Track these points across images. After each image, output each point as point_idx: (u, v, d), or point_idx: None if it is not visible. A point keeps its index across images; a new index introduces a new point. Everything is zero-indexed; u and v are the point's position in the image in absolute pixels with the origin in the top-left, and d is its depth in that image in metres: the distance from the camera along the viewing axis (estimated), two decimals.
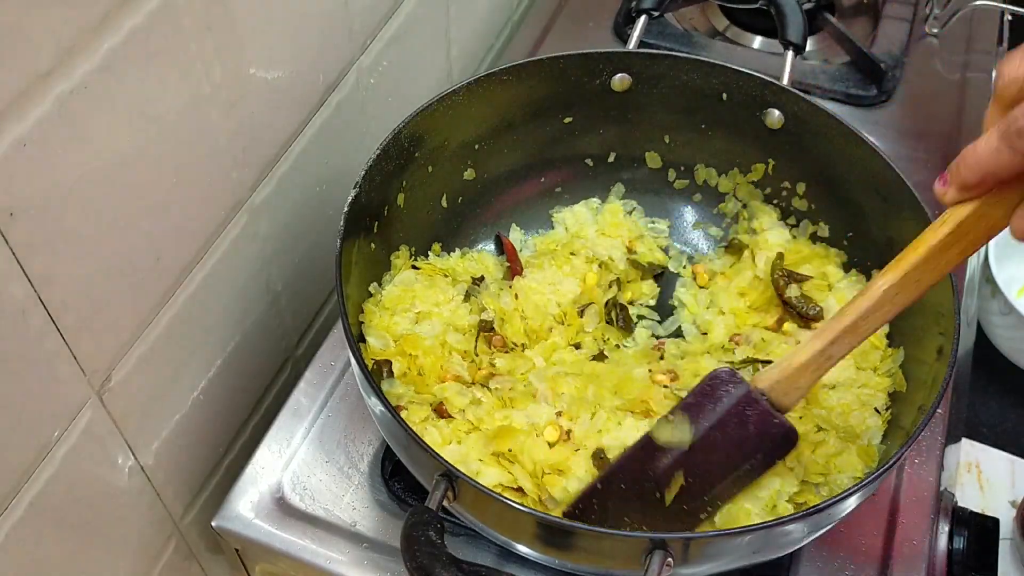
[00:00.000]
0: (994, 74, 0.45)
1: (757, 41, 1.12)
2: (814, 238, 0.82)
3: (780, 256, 0.79)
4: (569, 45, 1.00)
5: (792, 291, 0.77)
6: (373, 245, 0.75)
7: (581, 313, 0.79)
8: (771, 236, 0.82)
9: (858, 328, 0.55)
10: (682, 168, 0.87)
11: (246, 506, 0.72)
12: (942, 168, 0.49)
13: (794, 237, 0.82)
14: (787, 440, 0.62)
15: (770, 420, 0.60)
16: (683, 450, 0.62)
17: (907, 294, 0.53)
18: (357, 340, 0.64)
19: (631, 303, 0.83)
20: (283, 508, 0.72)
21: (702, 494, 0.63)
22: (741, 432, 0.60)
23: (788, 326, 0.77)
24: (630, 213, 0.87)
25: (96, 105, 0.53)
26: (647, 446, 0.64)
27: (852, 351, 0.58)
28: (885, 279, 0.53)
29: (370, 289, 0.75)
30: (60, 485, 0.60)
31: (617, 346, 0.80)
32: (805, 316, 0.76)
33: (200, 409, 0.75)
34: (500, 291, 0.79)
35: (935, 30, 1.11)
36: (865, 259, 0.78)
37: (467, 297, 0.78)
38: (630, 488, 0.63)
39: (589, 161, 0.87)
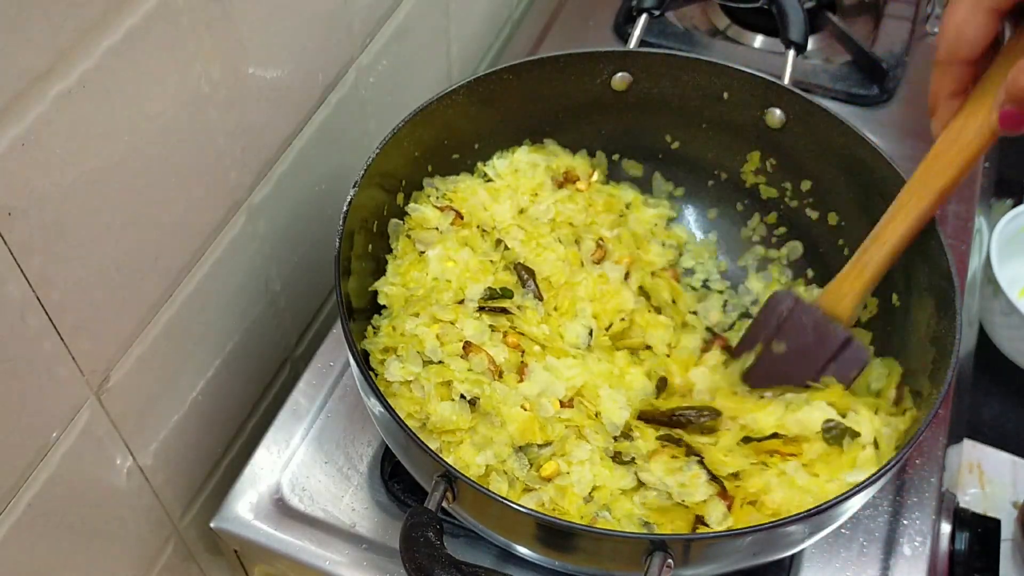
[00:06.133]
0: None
1: (758, 40, 1.12)
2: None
3: None
4: (569, 45, 1.00)
5: None
6: (372, 245, 0.74)
7: None
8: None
9: (880, 236, 0.63)
10: (683, 168, 0.87)
11: (245, 507, 0.72)
12: None
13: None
14: (855, 354, 0.66)
15: (825, 325, 0.66)
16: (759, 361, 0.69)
17: (920, 198, 0.60)
18: (356, 341, 0.63)
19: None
20: (282, 509, 0.72)
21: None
22: (802, 339, 0.67)
23: None
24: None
25: (94, 105, 0.53)
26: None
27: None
28: (901, 190, 0.61)
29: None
30: (58, 486, 0.60)
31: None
32: None
33: (199, 410, 0.75)
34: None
35: (937, 29, 1.11)
36: None
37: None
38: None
39: None
